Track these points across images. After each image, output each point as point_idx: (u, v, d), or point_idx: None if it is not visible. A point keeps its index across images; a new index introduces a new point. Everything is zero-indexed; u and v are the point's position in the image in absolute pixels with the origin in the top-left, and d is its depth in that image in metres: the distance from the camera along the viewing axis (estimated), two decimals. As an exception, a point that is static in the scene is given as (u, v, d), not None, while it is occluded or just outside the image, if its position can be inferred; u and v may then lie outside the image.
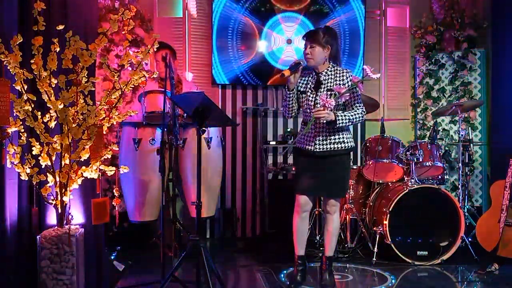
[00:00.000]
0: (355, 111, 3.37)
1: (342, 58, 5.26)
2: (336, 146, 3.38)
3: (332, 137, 3.38)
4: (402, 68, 5.75)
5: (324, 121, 3.30)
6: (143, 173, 4.02)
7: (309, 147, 3.40)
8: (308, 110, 3.39)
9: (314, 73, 3.45)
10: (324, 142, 3.37)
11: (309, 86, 3.43)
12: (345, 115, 3.29)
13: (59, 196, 2.83)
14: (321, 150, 3.37)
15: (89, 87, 2.87)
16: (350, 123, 3.35)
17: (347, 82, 3.35)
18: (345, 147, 3.41)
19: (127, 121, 4.05)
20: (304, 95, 3.42)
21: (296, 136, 3.60)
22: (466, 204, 4.74)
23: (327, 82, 3.39)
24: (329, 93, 3.30)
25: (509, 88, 4.98)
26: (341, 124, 3.29)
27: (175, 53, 4.54)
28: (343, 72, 3.40)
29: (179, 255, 3.93)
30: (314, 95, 3.38)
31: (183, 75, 5.09)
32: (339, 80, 3.37)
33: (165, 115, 3.57)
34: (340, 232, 4.26)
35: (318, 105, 3.30)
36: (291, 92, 3.40)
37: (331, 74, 3.41)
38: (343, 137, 3.40)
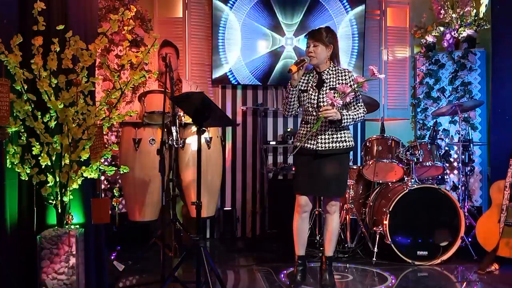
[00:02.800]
0: (357, 110, 3.41)
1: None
2: (338, 144, 3.40)
3: (335, 136, 3.40)
4: (402, 68, 5.75)
5: (330, 120, 3.31)
6: (143, 173, 4.01)
7: (311, 146, 3.40)
8: (311, 109, 3.39)
9: (315, 72, 3.46)
10: (327, 141, 3.38)
11: (310, 84, 3.43)
12: (349, 115, 3.34)
13: (59, 196, 2.83)
14: (323, 148, 3.38)
15: (89, 87, 2.87)
16: (353, 122, 3.40)
17: (350, 81, 3.38)
18: (346, 146, 3.43)
19: (127, 121, 4.05)
20: (305, 94, 3.42)
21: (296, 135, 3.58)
22: (466, 204, 4.74)
23: (330, 81, 3.40)
24: (332, 92, 3.32)
25: (509, 88, 4.98)
26: (345, 123, 3.35)
27: (178, 52, 4.54)
28: (344, 72, 3.44)
29: (179, 255, 3.94)
30: (317, 94, 3.39)
31: (183, 74, 5.10)
32: (342, 80, 3.40)
33: (165, 115, 3.57)
34: (340, 232, 4.26)
35: (325, 104, 3.31)
36: (294, 88, 3.40)
37: (333, 73, 3.43)
38: (345, 136, 3.43)
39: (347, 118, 3.33)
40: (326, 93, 3.35)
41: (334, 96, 3.23)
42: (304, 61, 3.36)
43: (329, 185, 3.43)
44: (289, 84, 3.40)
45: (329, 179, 3.42)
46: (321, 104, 3.35)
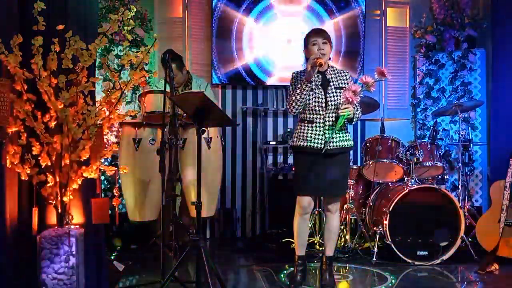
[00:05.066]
0: (356, 111, 3.43)
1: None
2: (345, 143, 3.43)
3: (341, 135, 3.41)
4: (402, 68, 5.75)
5: (349, 118, 3.35)
6: (143, 173, 4.02)
7: (318, 145, 3.38)
8: (317, 108, 3.37)
9: (316, 72, 3.44)
10: (335, 140, 3.39)
11: (315, 84, 3.41)
12: (354, 114, 3.38)
13: (59, 196, 2.83)
14: (332, 147, 3.38)
15: (89, 87, 2.87)
16: (355, 121, 3.48)
17: (350, 82, 3.43)
18: (350, 144, 3.47)
19: (127, 121, 4.05)
20: (312, 93, 3.40)
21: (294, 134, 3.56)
22: (466, 204, 4.74)
23: (333, 81, 3.42)
24: (344, 90, 3.33)
25: (509, 88, 4.98)
26: (354, 122, 3.43)
27: (182, 60, 4.45)
28: (344, 73, 3.48)
29: (179, 255, 3.94)
30: (323, 93, 3.38)
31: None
32: (343, 80, 3.43)
33: (165, 115, 3.57)
34: (340, 232, 4.26)
35: (342, 103, 3.31)
36: (310, 84, 3.34)
37: (334, 74, 3.45)
38: (347, 135, 3.47)
39: (355, 117, 3.39)
40: (332, 92, 3.37)
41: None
42: (321, 57, 3.33)
43: (336, 184, 3.44)
44: (304, 79, 3.33)
45: (336, 178, 3.43)
46: (329, 103, 3.36)
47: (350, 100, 3.23)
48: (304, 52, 3.47)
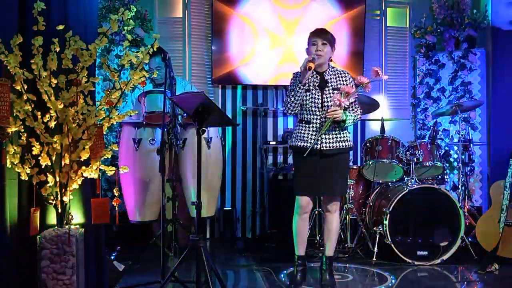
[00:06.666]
0: (356, 112, 3.44)
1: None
2: (342, 144, 3.42)
3: (339, 135, 3.41)
4: (402, 68, 5.76)
5: (336, 120, 3.32)
6: (143, 173, 4.01)
7: (315, 146, 3.38)
8: (314, 108, 3.38)
9: (315, 72, 3.44)
10: (331, 140, 3.39)
11: (312, 84, 3.42)
12: (350, 115, 3.37)
13: (59, 196, 2.83)
14: (328, 148, 3.38)
15: (89, 87, 2.87)
16: (353, 123, 3.44)
17: (350, 83, 3.42)
18: (348, 145, 3.46)
19: (127, 121, 4.05)
20: (308, 93, 3.40)
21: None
22: (466, 204, 4.74)
23: (331, 82, 3.41)
24: (336, 92, 3.32)
25: (509, 88, 4.98)
26: (348, 124, 3.39)
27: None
28: (344, 73, 3.47)
29: (179, 255, 3.94)
30: (320, 94, 3.39)
31: (182, 75, 5.09)
32: (342, 81, 3.42)
33: (165, 115, 3.57)
34: (340, 232, 4.26)
35: (331, 105, 3.31)
36: (304, 86, 3.36)
37: (333, 74, 3.45)
38: (346, 136, 3.46)
39: (349, 119, 3.36)
40: (329, 93, 3.37)
41: (340, 96, 3.25)
42: (315, 59, 3.33)
43: (334, 184, 3.44)
44: (298, 81, 3.34)
45: (335, 178, 3.43)
46: (325, 104, 3.36)
47: (338, 103, 3.23)
48: (306, 51, 3.47)
